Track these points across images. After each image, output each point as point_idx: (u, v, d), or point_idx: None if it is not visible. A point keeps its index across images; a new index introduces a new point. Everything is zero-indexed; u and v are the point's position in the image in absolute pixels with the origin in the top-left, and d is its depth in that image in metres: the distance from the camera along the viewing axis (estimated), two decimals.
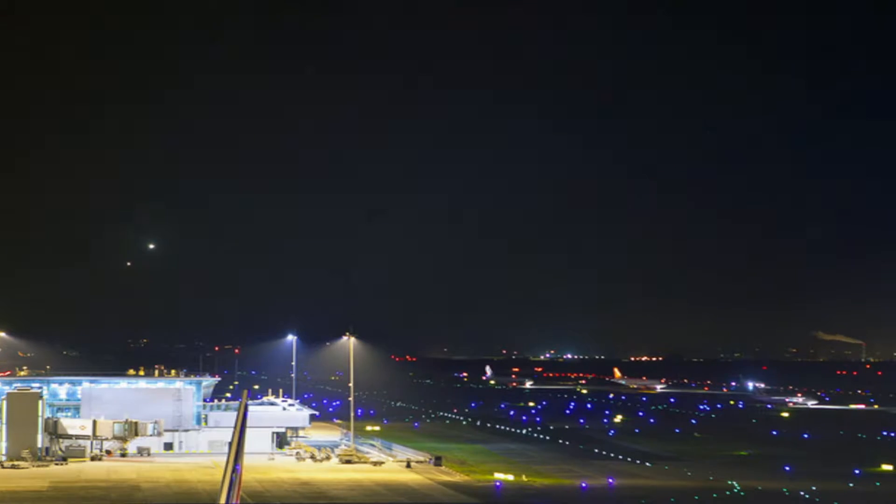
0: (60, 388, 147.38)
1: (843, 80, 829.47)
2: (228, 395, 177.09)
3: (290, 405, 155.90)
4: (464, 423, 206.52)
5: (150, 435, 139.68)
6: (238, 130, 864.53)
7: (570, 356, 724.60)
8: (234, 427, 45.80)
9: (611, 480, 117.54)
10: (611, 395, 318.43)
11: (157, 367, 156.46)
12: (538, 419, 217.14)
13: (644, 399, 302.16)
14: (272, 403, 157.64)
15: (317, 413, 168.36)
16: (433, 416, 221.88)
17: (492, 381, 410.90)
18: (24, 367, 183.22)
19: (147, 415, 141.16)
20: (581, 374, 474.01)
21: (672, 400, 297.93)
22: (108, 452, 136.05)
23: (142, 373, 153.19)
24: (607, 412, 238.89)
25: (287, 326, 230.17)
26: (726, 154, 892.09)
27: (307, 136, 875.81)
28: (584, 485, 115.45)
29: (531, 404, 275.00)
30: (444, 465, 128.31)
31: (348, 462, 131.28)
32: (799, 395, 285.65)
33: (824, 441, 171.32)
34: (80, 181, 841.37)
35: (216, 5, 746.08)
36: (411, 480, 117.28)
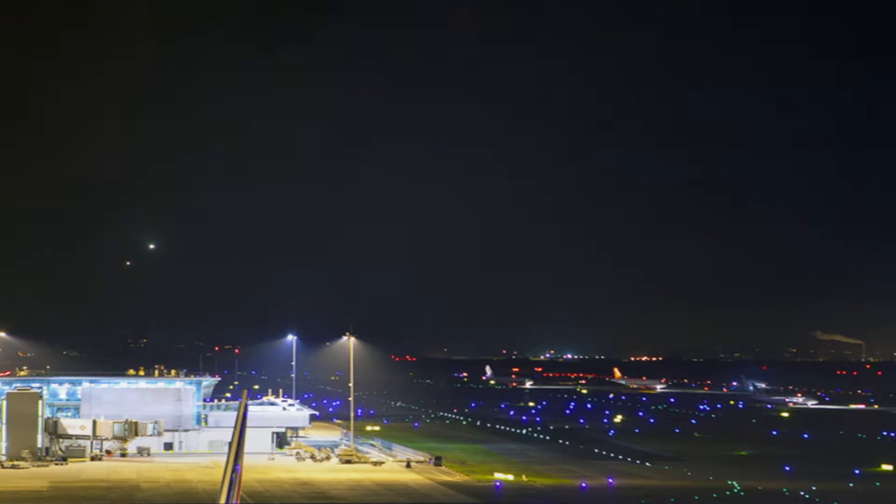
0: (60, 388, 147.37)
1: (844, 81, 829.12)
2: (228, 395, 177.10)
3: (290, 405, 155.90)
4: (464, 423, 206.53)
5: (150, 435, 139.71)
6: (238, 130, 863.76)
7: (570, 356, 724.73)
8: (234, 427, 45.81)
9: (611, 480, 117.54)
10: (611, 395, 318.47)
11: (157, 367, 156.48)
12: (538, 419, 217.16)
13: (644, 399, 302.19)
14: (272, 403, 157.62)
15: (317, 413, 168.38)
16: (433, 416, 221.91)
17: (492, 381, 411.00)
18: (24, 367, 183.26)
19: (147, 415, 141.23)
20: (581, 374, 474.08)
21: (672, 400, 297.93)
22: (108, 452, 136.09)
23: (142, 373, 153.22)
24: (607, 412, 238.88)
25: (287, 326, 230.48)
26: (726, 154, 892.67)
27: (307, 136, 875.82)
28: (584, 485, 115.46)
29: (531, 404, 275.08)
30: (444, 465, 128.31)
31: (348, 462, 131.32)
32: (799, 395, 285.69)
33: (824, 441, 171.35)
34: (80, 181, 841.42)
35: (216, 5, 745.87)
36: (411, 480, 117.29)
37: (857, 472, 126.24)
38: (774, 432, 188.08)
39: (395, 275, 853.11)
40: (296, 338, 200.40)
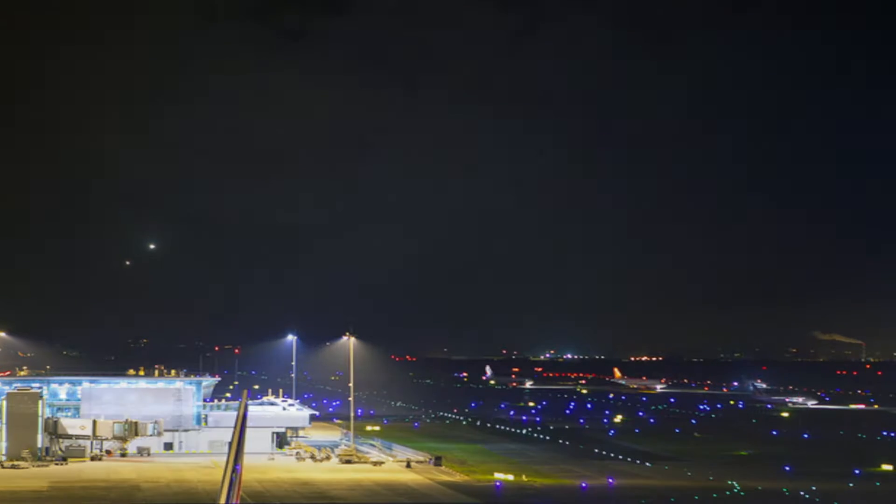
0: (60, 388, 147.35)
1: (844, 81, 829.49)
2: (228, 395, 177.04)
3: (290, 405, 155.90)
4: (464, 423, 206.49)
5: (150, 435, 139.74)
6: (238, 130, 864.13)
7: (570, 356, 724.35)
8: (234, 427, 45.81)
9: (611, 480, 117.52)
10: (611, 395, 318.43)
11: (157, 367, 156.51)
12: (538, 419, 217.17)
13: (644, 399, 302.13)
14: (272, 403, 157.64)
15: (317, 413, 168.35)
16: (433, 416, 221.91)
17: (492, 381, 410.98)
18: (24, 367, 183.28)
19: (147, 415, 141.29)
20: (581, 374, 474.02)
21: (672, 400, 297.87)
22: (108, 452, 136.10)
23: (142, 373, 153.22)
24: (607, 412, 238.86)
25: (287, 326, 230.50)
26: (726, 154, 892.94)
27: (306, 136, 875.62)
28: (584, 485, 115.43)
29: (531, 404, 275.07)
30: (444, 465, 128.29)
31: (348, 462, 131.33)
32: (799, 396, 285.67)
33: (824, 441, 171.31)
34: (80, 181, 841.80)
35: (217, 5, 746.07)
36: (411, 480, 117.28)
37: (857, 472, 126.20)
38: (774, 432, 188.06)
39: (395, 275, 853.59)
40: (296, 338, 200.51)
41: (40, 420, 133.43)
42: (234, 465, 43.81)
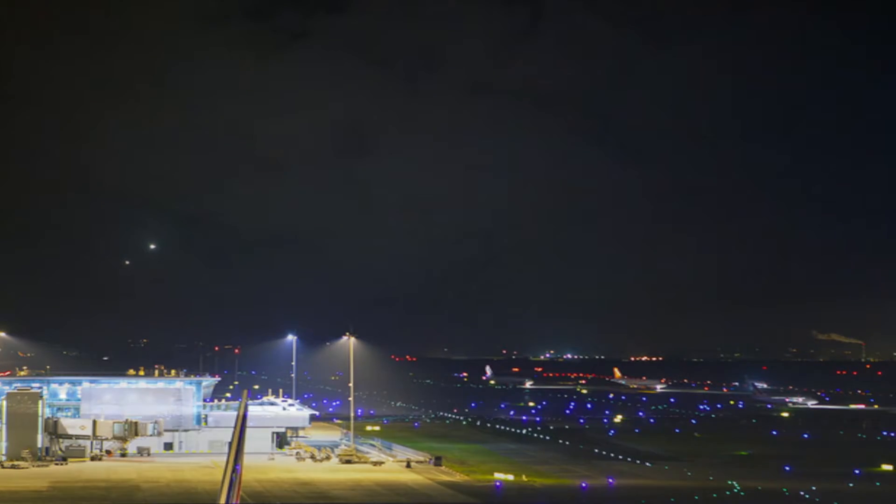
0: (60, 388, 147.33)
1: (843, 81, 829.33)
2: (228, 395, 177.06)
3: (290, 405, 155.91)
4: (464, 423, 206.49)
5: (150, 435, 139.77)
6: (237, 130, 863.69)
7: (570, 356, 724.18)
8: (234, 427, 45.83)
9: (611, 480, 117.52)
10: (611, 395, 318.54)
11: (157, 367, 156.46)
12: (538, 419, 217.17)
13: (644, 399, 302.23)
14: (272, 403, 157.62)
15: (317, 413, 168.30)
16: (433, 416, 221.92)
17: (492, 381, 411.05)
18: (24, 367, 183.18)
19: (147, 415, 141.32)
20: (581, 374, 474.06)
21: (672, 400, 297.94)
22: (108, 452, 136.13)
23: (142, 373, 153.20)
24: (607, 412, 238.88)
25: (287, 326, 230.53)
26: (726, 154, 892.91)
27: (306, 136, 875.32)
28: (584, 485, 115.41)
29: (531, 404, 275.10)
30: (444, 465, 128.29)
31: (348, 462, 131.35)
32: (799, 396, 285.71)
33: (824, 441, 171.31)
34: (80, 181, 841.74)
35: (217, 5, 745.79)
36: (411, 480, 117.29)
37: (857, 472, 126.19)
38: (774, 432, 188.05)
39: (395, 274, 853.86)
40: (296, 338, 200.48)
41: (40, 420, 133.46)
42: (234, 465, 43.82)
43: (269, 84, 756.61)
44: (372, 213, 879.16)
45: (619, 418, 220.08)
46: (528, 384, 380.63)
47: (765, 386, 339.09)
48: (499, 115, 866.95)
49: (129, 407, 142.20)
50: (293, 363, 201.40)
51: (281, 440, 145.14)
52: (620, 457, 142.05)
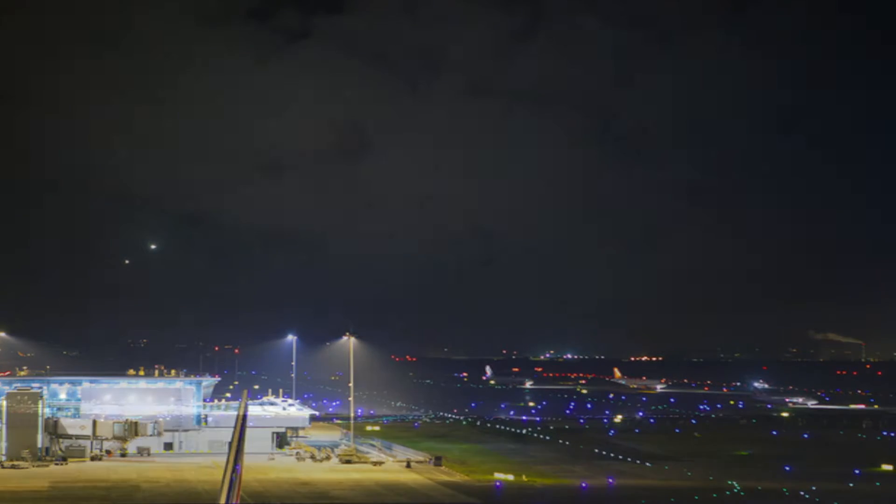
0: (60, 388, 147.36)
1: (843, 81, 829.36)
2: (228, 395, 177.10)
3: (290, 405, 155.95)
4: (464, 423, 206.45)
5: (150, 435, 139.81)
6: (237, 130, 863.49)
7: (570, 356, 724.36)
8: (234, 427, 45.88)
9: (611, 480, 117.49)
10: (611, 395, 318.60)
11: (157, 367, 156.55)
12: (538, 419, 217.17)
13: (644, 399, 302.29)
14: (272, 403, 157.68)
15: (317, 413, 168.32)
16: (433, 416, 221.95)
17: (492, 381, 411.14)
18: (24, 367, 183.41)
19: (147, 415, 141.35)
20: (581, 374, 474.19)
21: (672, 400, 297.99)
22: (108, 452, 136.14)
23: (142, 373, 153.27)
24: (607, 412, 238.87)
25: (287, 326, 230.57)
26: (726, 154, 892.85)
27: (306, 136, 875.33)
28: (584, 485, 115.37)
29: (531, 404, 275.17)
30: (444, 465, 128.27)
31: (348, 462, 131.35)
32: (799, 397, 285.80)
33: (824, 441, 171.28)
34: (80, 181, 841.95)
35: (216, 5, 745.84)
36: (411, 480, 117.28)
37: (857, 472, 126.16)
38: (774, 432, 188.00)
39: (395, 275, 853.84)
40: (296, 338, 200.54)
41: (40, 420, 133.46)
42: (234, 465, 43.84)
43: (269, 84, 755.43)
44: (372, 213, 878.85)
45: (619, 418, 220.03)
46: (528, 384, 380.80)
47: (765, 386, 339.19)
48: (499, 115, 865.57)
49: (129, 407, 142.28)
50: (293, 363, 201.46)
51: (281, 440, 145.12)
52: (620, 457, 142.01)
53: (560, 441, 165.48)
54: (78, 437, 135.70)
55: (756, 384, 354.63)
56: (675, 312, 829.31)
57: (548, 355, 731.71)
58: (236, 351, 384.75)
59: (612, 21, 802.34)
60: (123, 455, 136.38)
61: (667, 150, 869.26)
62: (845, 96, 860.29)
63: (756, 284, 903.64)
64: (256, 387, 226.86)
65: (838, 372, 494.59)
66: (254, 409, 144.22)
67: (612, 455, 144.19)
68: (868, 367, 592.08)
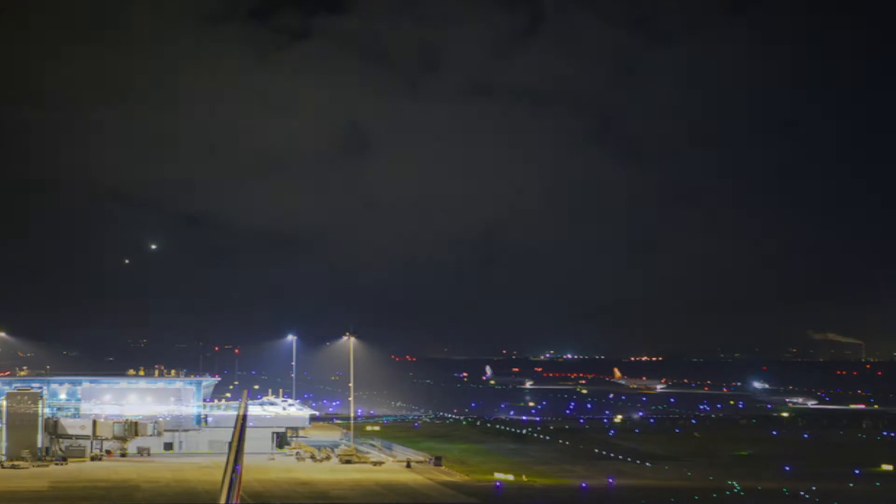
0: (60, 388, 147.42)
1: (843, 81, 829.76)
2: (228, 395, 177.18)
3: (290, 405, 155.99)
4: (464, 423, 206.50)
5: (150, 435, 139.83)
6: (237, 130, 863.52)
7: (570, 356, 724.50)
8: (234, 427, 45.90)
9: (611, 480, 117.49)
10: (611, 395, 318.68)
11: (157, 367, 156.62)
12: (538, 419, 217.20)
13: (644, 399, 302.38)
14: (272, 403, 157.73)
15: (317, 413, 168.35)
16: (433, 416, 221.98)
17: (492, 381, 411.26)
18: (24, 367, 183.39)
19: (147, 415, 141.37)
20: (581, 374, 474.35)
21: (672, 400, 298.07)
22: (108, 452, 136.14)
23: (142, 373, 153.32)
24: (607, 412, 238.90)
25: (287, 326, 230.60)
26: (726, 154, 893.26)
27: (306, 136, 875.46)
28: (584, 485, 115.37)
29: (531, 404, 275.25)
30: (444, 465, 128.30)
31: (348, 462, 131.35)
32: (799, 397, 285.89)
33: (824, 441, 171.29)
34: (80, 181, 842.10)
35: (216, 6, 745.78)
36: (411, 480, 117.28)
37: (857, 472, 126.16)
38: (774, 432, 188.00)
39: (395, 275, 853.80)
40: (296, 338, 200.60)
41: (40, 420, 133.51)
42: (234, 465, 43.85)
43: (269, 84, 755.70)
44: (372, 213, 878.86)
45: (619, 418, 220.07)
46: (528, 384, 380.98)
47: (765, 386, 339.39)
48: (499, 115, 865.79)
49: (129, 407, 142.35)
50: (293, 363, 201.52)
51: (281, 440, 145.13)
52: (620, 457, 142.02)
53: (560, 441, 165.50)
54: (78, 437, 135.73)
55: (756, 384, 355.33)
56: (675, 312, 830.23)
57: (548, 355, 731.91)
58: (236, 351, 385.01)
59: (612, 21, 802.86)
60: (123, 455, 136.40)
61: (667, 150, 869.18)
62: (845, 96, 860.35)
63: (756, 284, 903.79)
64: (256, 387, 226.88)
65: (838, 372, 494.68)
66: (254, 409, 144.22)
67: (612, 455, 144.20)
68: (868, 367, 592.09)
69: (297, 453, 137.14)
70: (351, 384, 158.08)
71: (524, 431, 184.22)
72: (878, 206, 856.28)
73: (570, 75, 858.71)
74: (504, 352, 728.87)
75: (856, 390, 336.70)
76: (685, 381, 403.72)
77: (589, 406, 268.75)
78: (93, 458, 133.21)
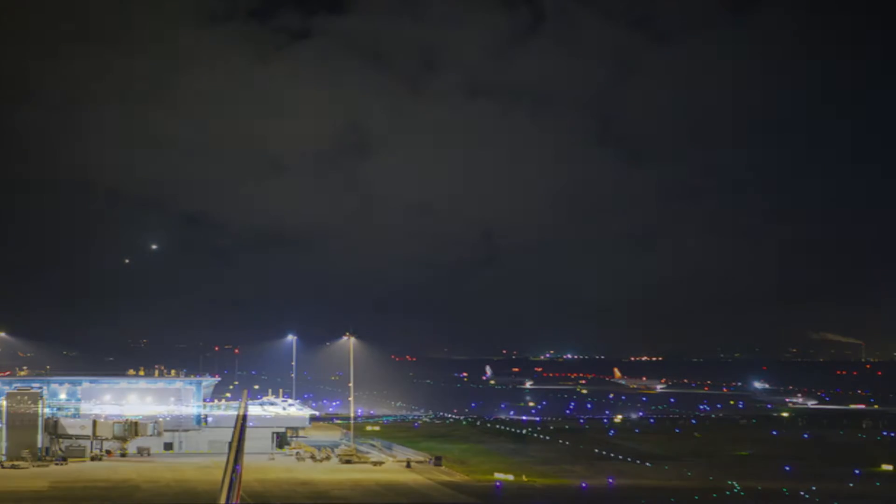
0: (60, 388, 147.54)
1: (843, 81, 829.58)
2: (228, 395, 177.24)
3: (290, 405, 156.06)
4: (464, 423, 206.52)
5: (150, 435, 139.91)
6: (237, 130, 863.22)
7: (570, 356, 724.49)
8: (234, 427, 45.91)
9: (611, 480, 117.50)
10: (611, 395, 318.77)
11: (157, 367, 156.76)
12: (538, 419, 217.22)
13: (644, 399, 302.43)
14: (272, 403, 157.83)
15: (317, 413, 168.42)
16: (433, 416, 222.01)
17: (492, 381, 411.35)
18: (24, 367, 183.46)
19: (147, 415, 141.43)
20: (581, 374, 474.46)
21: (672, 400, 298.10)
22: (108, 452, 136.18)
23: (142, 373, 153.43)
24: (607, 412, 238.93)
25: (287, 326, 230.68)
26: (726, 154, 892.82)
27: (306, 136, 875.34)
28: (584, 485, 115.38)
29: (531, 404, 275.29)
30: (444, 465, 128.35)
31: (348, 462, 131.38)
32: (799, 395, 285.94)
33: (824, 441, 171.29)
34: (80, 181, 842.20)
35: (216, 5, 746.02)
36: (411, 480, 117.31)
37: (857, 472, 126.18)
38: (774, 432, 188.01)
39: (395, 275, 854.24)
40: (296, 338, 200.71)
41: (40, 420, 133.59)
42: (234, 465, 43.86)
43: (269, 84, 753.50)
44: (372, 213, 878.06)
45: (619, 418, 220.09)
46: (528, 384, 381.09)
47: (765, 386, 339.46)
48: (499, 115, 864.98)
49: (129, 407, 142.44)
50: (293, 363, 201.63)
51: (281, 440, 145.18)
52: (620, 457, 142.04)
53: (560, 441, 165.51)
54: (78, 437, 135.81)
55: (756, 384, 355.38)
56: (675, 312, 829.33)
57: (548, 355, 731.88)
58: (236, 351, 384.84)
59: (612, 21, 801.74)
60: (123, 455, 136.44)
61: (667, 150, 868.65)
62: (845, 96, 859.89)
63: (756, 284, 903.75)
64: (256, 387, 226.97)
65: (838, 372, 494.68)
66: (254, 409, 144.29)
67: (612, 455, 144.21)
68: (868, 367, 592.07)
69: (297, 453, 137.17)
70: (351, 384, 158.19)
71: (524, 431, 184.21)
72: (879, 206, 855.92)
73: (570, 75, 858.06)
74: (504, 352, 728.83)
75: (856, 390, 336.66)
76: (685, 381, 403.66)
77: (589, 406, 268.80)
78: (93, 458, 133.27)
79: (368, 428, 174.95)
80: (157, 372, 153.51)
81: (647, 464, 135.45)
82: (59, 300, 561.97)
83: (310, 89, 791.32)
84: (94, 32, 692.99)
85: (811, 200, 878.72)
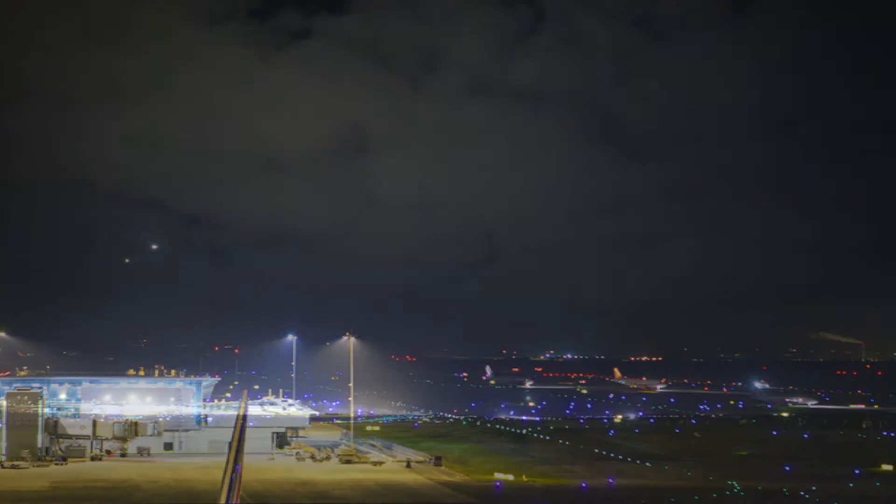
0: (60, 388, 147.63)
1: (843, 81, 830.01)
2: (228, 395, 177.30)
3: (290, 405, 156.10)
4: (464, 423, 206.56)
5: (150, 435, 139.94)
6: (237, 130, 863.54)
7: (570, 356, 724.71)
8: (234, 427, 45.92)
9: (611, 480, 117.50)
10: (611, 395, 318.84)
11: (157, 367, 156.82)
12: (538, 419, 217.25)
13: (644, 399, 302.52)
14: (272, 403, 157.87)
15: (317, 413, 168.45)
16: (433, 416, 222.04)
17: (492, 381, 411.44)
18: (24, 367, 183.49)
19: (147, 415, 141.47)
20: (581, 374, 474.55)
21: (672, 400, 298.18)
22: (108, 452, 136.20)
23: (142, 373, 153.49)
24: (607, 412, 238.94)
25: (287, 326, 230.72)
26: (726, 154, 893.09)
27: (306, 136, 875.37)
28: (584, 485, 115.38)
29: (531, 404, 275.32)
30: (444, 465, 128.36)
31: (348, 462, 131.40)
32: (800, 398, 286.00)
33: (824, 441, 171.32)
34: (80, 181, 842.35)
35: (216, 5, 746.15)
36: (411, 480, 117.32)
37: (857, 472, 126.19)
38: (774, 432, 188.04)
39: (395, 274, 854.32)
40: (296, 338, 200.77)
41: (40, 420, 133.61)
42: (234, 465, 43.86)
43: (269, 84, 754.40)
44: (372, 213, 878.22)
45: (619, 418, 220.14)
46: (528, 384, 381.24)
47: (765, 386, 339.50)
48: (499, 115, 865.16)
49: (129, 407, 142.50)
50: (293, 363, 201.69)
51: (281, 440, 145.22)
52: (620, 457, 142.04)
53: (560, 441, 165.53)
54: (78, 437, 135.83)
55: (756, 384, 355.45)
56: (675, 312, 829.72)
57: (548, 355, 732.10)
58: (236, 351, 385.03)
59: (611, 21, 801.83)
60: (123, 455, 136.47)
61: (667, 149, 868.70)
62: (845, 96, 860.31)
63: (756, 284, 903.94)
64: (256, 387, 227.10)
65: (838, 372, 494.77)
66: (254, 409, 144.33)
67: (612, 455, 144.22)
68: (868, 367, 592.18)
69: (297, 453, 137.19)
70: (351, 384, 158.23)
71: (524, 431, 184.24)
72: (879, 206, 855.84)
73: (570, 75, 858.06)
74: (504, 352, 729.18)
75: (856, 390, 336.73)
76: (685, 381, 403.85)
77: (589, 406, 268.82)
78: (93, 458, 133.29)
79: (368, 428, 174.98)
80: (157, 372, 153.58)
81: (647, 464, 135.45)
82: (59, 300, 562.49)
83: (310, 89, 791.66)
84: (94, 32, 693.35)
85: (811, 200, 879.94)
